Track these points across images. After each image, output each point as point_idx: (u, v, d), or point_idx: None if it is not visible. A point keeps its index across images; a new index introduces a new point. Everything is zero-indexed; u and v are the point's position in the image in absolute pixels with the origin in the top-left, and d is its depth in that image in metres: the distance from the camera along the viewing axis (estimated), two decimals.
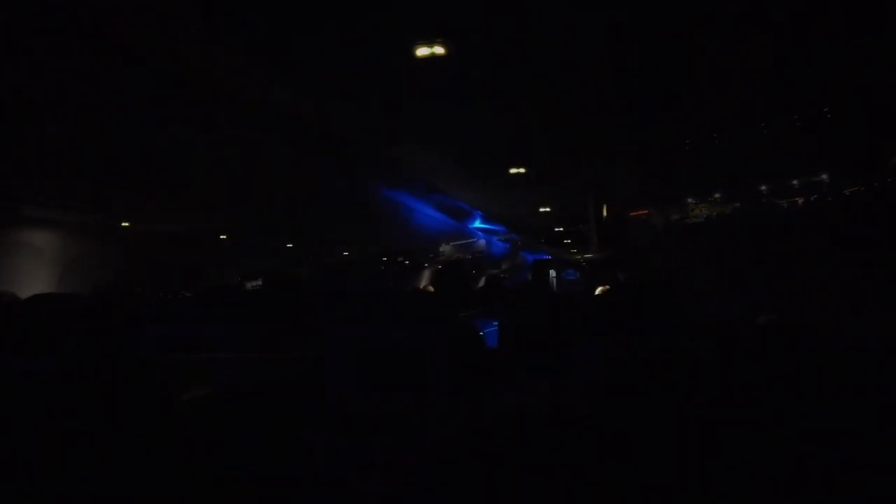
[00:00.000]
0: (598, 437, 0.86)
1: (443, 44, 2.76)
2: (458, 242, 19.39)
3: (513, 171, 5.86)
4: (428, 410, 1.42)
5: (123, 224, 6.16)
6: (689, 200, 9.77)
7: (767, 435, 0.90)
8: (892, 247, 1.81)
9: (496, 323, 2.96)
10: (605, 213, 8.34)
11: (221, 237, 7.66)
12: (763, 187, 9.03)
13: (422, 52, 2.84)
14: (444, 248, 19.50)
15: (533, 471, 0.83)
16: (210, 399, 1.26)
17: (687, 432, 0.86)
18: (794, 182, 8.44)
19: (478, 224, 13.42)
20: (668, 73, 3.23)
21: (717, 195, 9.75)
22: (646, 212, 8.78)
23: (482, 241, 19.90)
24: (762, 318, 1.48)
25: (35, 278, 6.37)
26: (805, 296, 2.61)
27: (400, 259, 16.46)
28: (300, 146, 5.39)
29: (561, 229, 11.97)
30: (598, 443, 0.86)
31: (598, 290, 4.31)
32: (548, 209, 9.06)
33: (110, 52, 3.09)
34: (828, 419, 0.96)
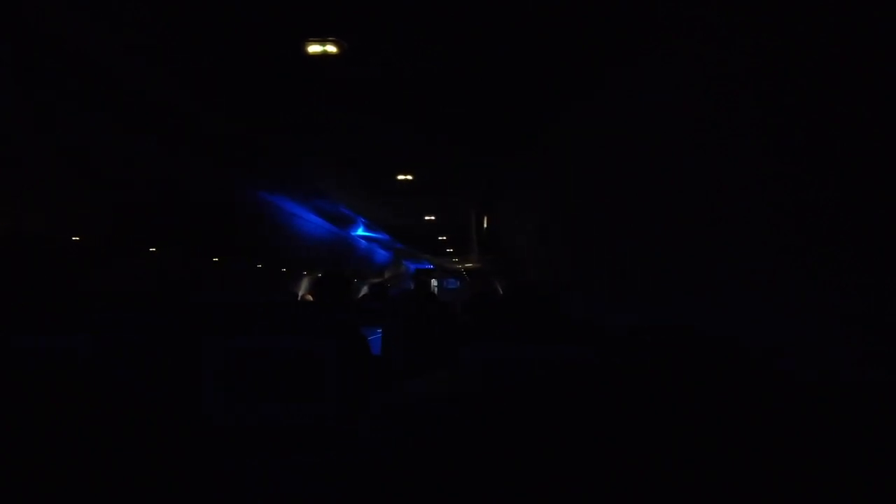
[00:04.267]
0: (477, 423, 0.90)
1: (335, 42, 2.68)
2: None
3: (400, 177, 5.88)
4: (316, 417, 1.37)
5: None
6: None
7: (630, 427, 0.97)
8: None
9: (379, 331, 2.95)
10: (485, 224, 8.64)
11: (74, 238, 6.88)
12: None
13: (313, 49, 2.75)
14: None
15: (442, 444, 0.85)
16: (78, 407, 1.14)
17: (555, 423, 0.92)
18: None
19: (361, 232, 13.28)
20: (553, 93, 3.42)
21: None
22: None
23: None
24: (629, 324, 1.61)
25: None
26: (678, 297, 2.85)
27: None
28: (174, 143, 5.02)
29: (444, 238, 12.20)
30: (477, 427, 0.89)
31: (478, 298, 4.46)
32: (432, 218, 9.20)
33: None
34: (693, 415, 1.06)
